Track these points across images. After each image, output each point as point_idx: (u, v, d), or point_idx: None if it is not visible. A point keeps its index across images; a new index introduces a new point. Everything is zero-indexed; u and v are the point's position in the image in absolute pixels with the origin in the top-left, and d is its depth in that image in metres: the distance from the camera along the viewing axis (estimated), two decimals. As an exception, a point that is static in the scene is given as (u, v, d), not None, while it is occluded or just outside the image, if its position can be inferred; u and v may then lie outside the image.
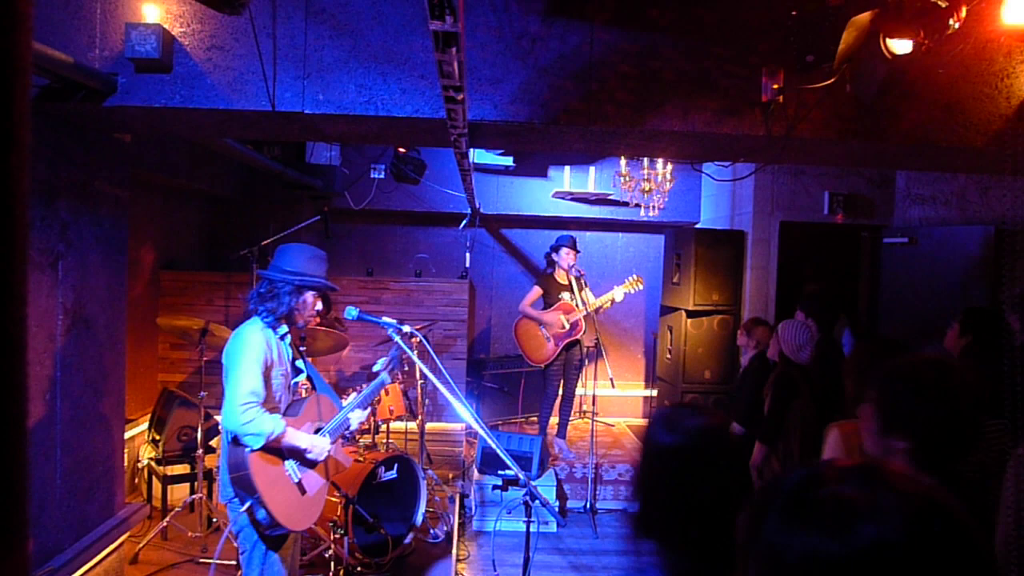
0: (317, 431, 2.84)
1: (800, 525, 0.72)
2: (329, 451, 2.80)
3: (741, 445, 1.34)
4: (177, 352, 5.81)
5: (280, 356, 2.77)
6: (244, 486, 2.58)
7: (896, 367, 1.58)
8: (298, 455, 2.73)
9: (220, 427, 2.63)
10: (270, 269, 2.79)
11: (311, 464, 2.78)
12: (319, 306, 2.85)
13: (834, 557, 0.68)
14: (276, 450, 2.66)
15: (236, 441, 2.60)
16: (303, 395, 2.95)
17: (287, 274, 2.73)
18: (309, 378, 2.99)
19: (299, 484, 2.74)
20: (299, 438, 2.69)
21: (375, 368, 3.10)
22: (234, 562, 3.94)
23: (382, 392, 4.61)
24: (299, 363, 2.94)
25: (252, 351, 2.63)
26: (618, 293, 5.62)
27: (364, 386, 3.10)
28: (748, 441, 3.72)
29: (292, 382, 2.89)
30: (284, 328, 2.80)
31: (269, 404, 2.71)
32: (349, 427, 3.00)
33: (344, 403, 3.03)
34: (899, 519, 0.68)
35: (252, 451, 2.58)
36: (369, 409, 3.10)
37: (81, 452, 3.32)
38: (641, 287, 5.78)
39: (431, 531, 4.56)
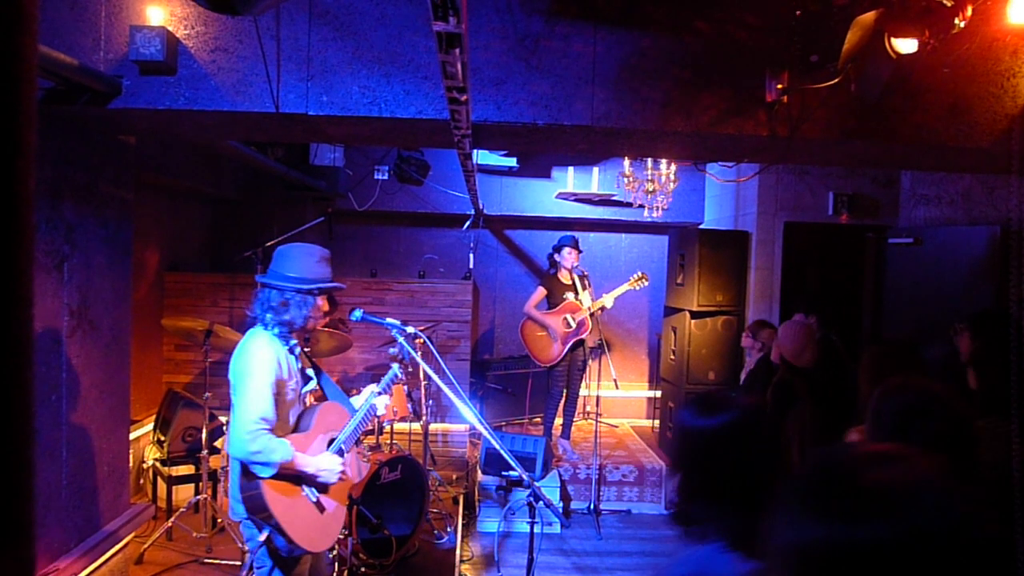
0: (331, 442, 2.69)
1: (830, 514, 0.70)
2: (343, 466, 2.61)
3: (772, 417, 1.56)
4: (182, 353, 5.82)
5: (291, 370, 2.60)
6: (261, 517, 2.43)
7: None
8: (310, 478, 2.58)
9: (225, 451, 2.49)
10: (272, 275, 2.59)
11: (326, 485, 2.63)
12: (327, 307, 2.70)
13: (874, 543, 0.66)
14: (292, 475, 2.50)
15: (246, 471, 2.42)
16: (310, 404, 2.80)
17: (298, 281, 2.55)
18: (321, 386, 2.85)
19: (318, 503, 2.58)
20: (306, 463, 2.50)
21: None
22: (238, 562, 3.96)
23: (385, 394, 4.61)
24: (309, 371, 2.80)
25: (262, 370, 2.43)
26: (608, 300, 5.60)
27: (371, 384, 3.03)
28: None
29: (302, 391, 2.73)
30: (294, 340, 2.64)
31: (281, 427, 2.53)
32: (376, 413, 2.86)
33: (357, 405, 2.88)
34: (941, 509, 0.67)
35: (264, 481, 2.40)
36: (390, 393, 2.95)
37: (86, 453, 3.33)
38: (646, 283, 5.76)
39: (435, 532, 4.56)
